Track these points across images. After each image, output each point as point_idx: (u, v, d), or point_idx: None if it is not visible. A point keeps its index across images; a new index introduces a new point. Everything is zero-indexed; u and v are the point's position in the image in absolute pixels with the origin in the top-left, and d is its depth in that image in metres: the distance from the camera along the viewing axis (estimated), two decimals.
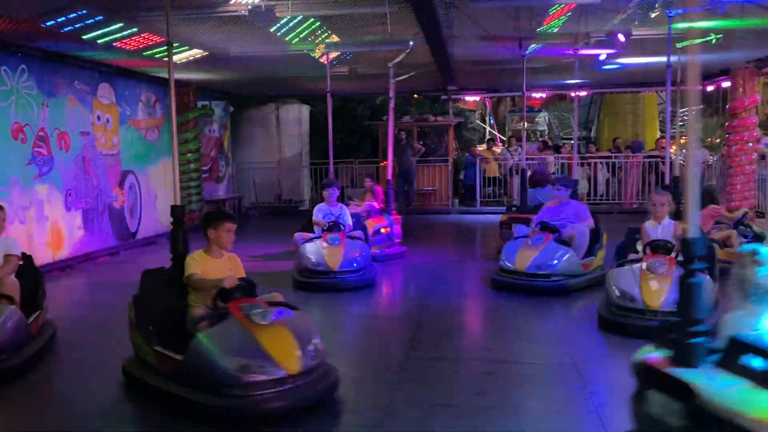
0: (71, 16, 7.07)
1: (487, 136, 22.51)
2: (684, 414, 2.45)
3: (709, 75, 13.34)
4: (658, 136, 18.13)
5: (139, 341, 4.23)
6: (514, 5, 7.55)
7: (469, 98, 17.62)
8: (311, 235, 7.79)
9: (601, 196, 14.91)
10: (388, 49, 9.27)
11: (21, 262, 5.27)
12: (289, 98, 16.26)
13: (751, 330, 2.72)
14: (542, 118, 23.90)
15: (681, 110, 9.87)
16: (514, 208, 10.51)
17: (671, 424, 2.50)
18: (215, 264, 4.40)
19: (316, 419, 3.70)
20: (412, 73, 11.04)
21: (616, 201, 14.75)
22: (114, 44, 8.29)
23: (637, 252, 5.91)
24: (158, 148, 12.05)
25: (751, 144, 11.66)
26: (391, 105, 10.31)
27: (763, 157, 12.21)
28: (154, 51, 9.01)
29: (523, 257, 6.80)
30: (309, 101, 17.06)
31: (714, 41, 8.22)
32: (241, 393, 3.51)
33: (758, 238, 7.57)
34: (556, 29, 8.70)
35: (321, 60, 9.85)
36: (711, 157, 15.13)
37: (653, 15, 7.64)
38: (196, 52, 9.31)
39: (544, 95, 16.80)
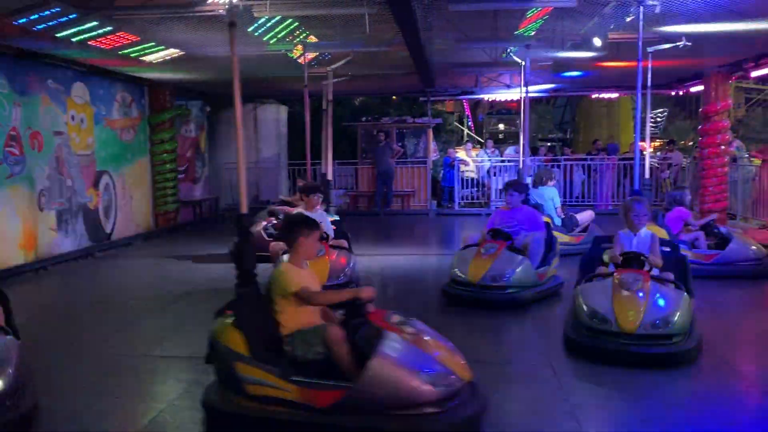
0: (44, 13, 6.96)
1: (465, 138, 22.64)
2: None
3: (682, 79, 13.58)
4: (630, 141, 18.42)
5: (261, 375, 3.48)
6: (492, 8, 7.59)
7: (447, 100, 17.70)
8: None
9: (577, 197, 15.07)
10: (368, 50, 9.28)
11: None
12: (267, 98, 16.18)
13: None
14: (519, 120, 24.06)
15: (650, 113, 10.02)
16: None
17: None
18: (307, 275, 3.81)
19: None
20: (347, 77, 11.12)
21: (591, 203, 14.91)
22: (88, 43, 8.17)
23: (603, 263, 5.42)
24: (134, 148, 11.91)
25: (723, 147, 11.87)
26: (329, 110, 10.52)
27: (734, 159, 12.43)
28: (129, 50, 8.91)
29: (477, 267, 6.27)
30: (287, 102, 17.00)
31: (681, 46, 8.34)
32: (436, 409, 3.31)
33: (726, 240, 7.70)
34: (533, 32, 8.78)
35: (299, 60, 9.82)
36: (685, 160, 15.38)
37: (628, 19, 7.74)
38: (173, 52, 9.23)
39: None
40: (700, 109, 12.38)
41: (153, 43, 8.71)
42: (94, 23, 7.50)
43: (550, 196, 9.23)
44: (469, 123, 25.26)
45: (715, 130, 11.74)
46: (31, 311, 6.40)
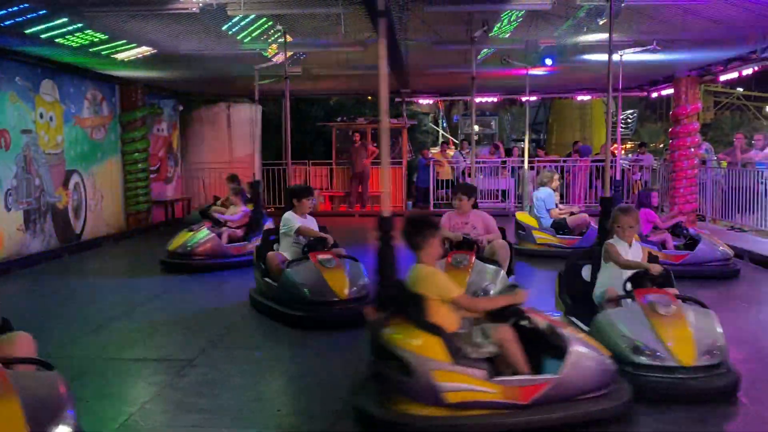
0: (12, 9, 6.82)
1: (440, 139, 22.72)
2: None
3: (652, 82, 13.81)
4: (601, 143, 18.67)
5: (464, 379, 3.41)
6: (467, 10, 7.62)
7: (423, 101, 17.74)
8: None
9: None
10: (342, 50, 9.26)
11: None
12: (241, 98, 16.05)
13: None
14: (494, 121, 24.28)
15: (621, 115, 10.18)
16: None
17: None
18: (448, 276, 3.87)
19: None
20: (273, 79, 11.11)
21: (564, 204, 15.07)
22: (58, 40, 8.03)
23: (585, 282, 5.03)
24: (105, 147, 11.73)
25: (692, 149, 12.08)
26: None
27: (703, 162, 12.66)
28: (100, 48, 8.76)
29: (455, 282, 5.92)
30: (261, 101, 16.86)
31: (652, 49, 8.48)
32: (613, 387, 3.65)
33: (694, 241, 7.83)
34: (507, 35, 8.84)
35: (274, 60, 9.76)
36: (656, 162, 15.63)
37: (601, 23, 7.83)
38: (145, 50, 9.10)
39: (495, 99, 17.02)
40: (671, 112, 12.59)
41: (124, 41, 8.58)
42: (64, 20, 7.37)
43: (542, 197, 9.28)
44: (444, 124, 25.37)
45: (685, 133, 11.95)
46: None
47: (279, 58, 9.66)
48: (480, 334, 3.58)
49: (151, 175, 13.20)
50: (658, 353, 3.98)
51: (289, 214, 6.54)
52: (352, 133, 15.30)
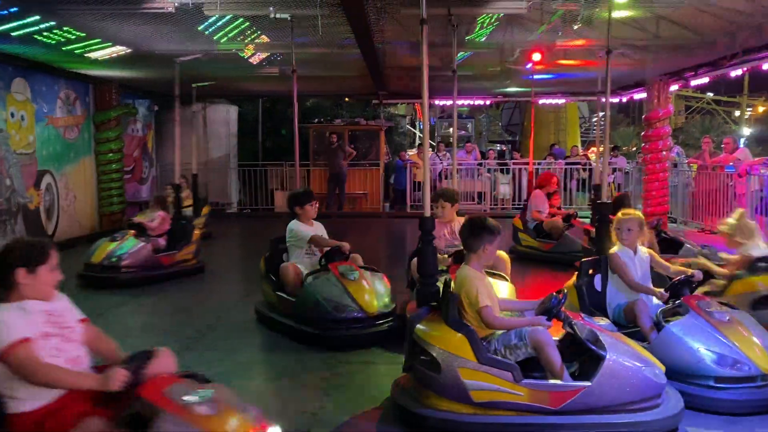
0: None
1: (417, 141, 22.80)
2: None
3: (625, 86, 14.02)
4: (573, 144, 18.94)
5: (491, 379, 3.48)
6: (444, 13, 7.66)
7: (400, 104, 17.80)
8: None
9: (525, 200, 15.34)
10: (320, 51, 9.25)
11: None
12: (217, 98, 15.95)
13: None
14: (470, 123, 24.46)
15: (594, 118, 10.33)
16: None
17: None
18: (489, 284, 3.81)
19: None
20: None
21: None
22: (30, 38, 7.90)
23: (599, 293, 4.68)
24: (78, 147, 11.56)
25: (664, 152, 12.29)
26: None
27: (675, 165, 12.88)
28: (73, 46, 8.65)
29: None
30: (237, 101, 16.78)
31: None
32: (656, 402, 3.52)
33: (674, 242, 7.95)
34: (484, 38, 8.91)
35: (251, 60, 9.72)
36: (629, 165, 15.87)
37: (576, 27, 7.95)
38: (119, 49, 9.00)
39: (473, 102, 17.14)
40: (644, 116, 12.80)
41: (98, 40, 8.48)
42: (36, 17, 7.26)
43: (532, 199, 9.37)
44: (421, 126, 25.45)
45: (657, 136, 12.15)
46: None
47: (256, 59, 9.63)
48: (516, 336, 3.56)
49: (126, 176, 13.05)
50: (742, 363, 3.79)
51: (293, 224, 5.88)
52: (329, 134, 15.29)
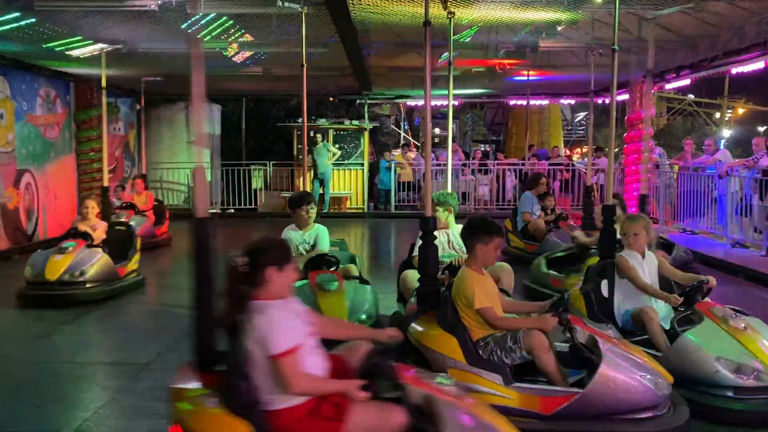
0: None
1: (402, 141, 22.81)
2: None
3: (608, 87, 14.10)
4: (555, 145, 19.07)
5: (480, 382, 3.46)
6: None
7: (384, 103, 17.79)
8: None
9: (509, 201, 15.40)
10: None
11: None
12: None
13: None
14: (455, 124, 24.53)
15: (576, 119, 10.39)
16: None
17: None
18: (488, 284, 3.72)
19: None
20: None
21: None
22: (9, 35, 7.78)
23: (605, 301, 4.47)
24: (58, 145, 11.41)
25: (646, 154, 12.38)
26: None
27: (657, 166, 12.99)
28: (53, 44, 8.53)
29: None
30: (220, 101, 16.66)
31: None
32: (654, 413, 3.40)
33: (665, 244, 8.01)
34: (468, 38, 8.92)
35: (234, 59, 9.65)
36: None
37: (559, 28, 7.99)
38: (101, 47, 8.89)
39: (456, 103, 17.18)
40: (626, 117, 12.89)
41: (79, 37, 8.37)
42: (15, 14, 7.15)
43: (522, 200, 9.39)
44: (406, 126, 25.49)
45: (639, 138, 12.24)
46: None
47: (239, 58, 9.56)
48: (511, 339, 3.51)
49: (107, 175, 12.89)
50: (761, 373, 3.64)
51: (285, 232, 5.44)
52: (314, 134, 15.23)
